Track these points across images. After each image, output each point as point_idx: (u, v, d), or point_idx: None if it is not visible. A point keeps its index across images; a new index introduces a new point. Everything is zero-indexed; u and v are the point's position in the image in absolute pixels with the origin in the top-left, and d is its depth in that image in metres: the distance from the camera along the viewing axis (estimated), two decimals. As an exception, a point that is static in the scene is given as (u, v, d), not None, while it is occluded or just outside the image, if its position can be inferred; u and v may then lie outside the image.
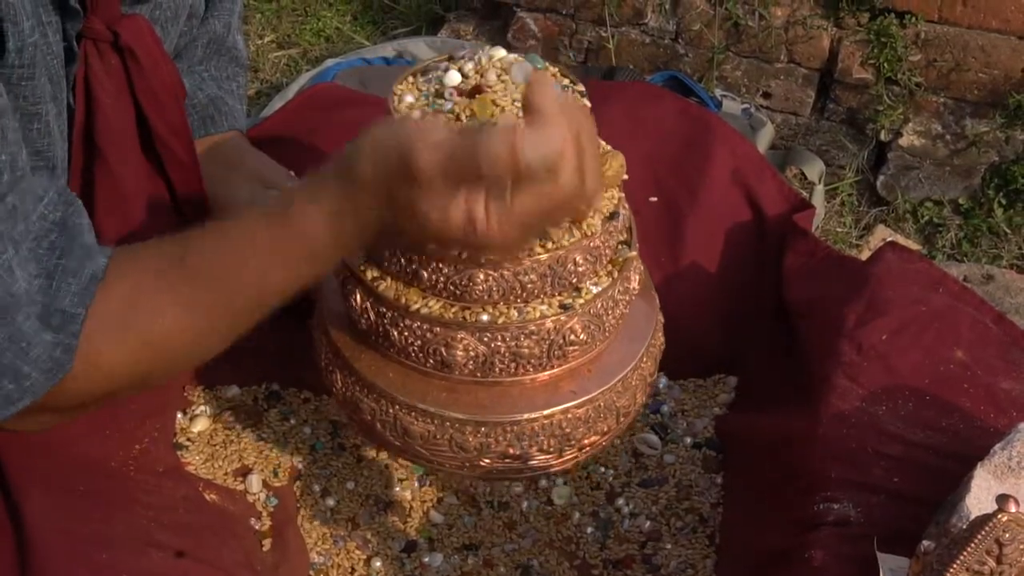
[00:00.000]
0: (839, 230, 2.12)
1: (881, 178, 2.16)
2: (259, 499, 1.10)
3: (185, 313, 0.84)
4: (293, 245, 0.82)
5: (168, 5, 1.05)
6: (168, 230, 1.08)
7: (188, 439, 1.14)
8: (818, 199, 2.07)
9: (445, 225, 0.75)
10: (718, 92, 2.19)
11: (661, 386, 1.32)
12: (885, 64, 2.11)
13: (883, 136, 2.17)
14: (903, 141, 2.15)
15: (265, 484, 1.12)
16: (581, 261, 0.89)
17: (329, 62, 2.17)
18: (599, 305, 0.91)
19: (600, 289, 0.91)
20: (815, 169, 2.12)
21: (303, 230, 0.81)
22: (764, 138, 2.13)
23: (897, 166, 2.15)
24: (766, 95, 2.26)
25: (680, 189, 1.34)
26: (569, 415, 0.92)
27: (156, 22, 1.03)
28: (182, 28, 1.11)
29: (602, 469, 1.22)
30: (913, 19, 2.08)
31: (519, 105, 0.87)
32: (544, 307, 0.89)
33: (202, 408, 1.17)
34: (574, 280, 0.90)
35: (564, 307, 0.90)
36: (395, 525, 1.15)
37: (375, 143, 0.77)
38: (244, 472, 1.12)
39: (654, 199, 1.32)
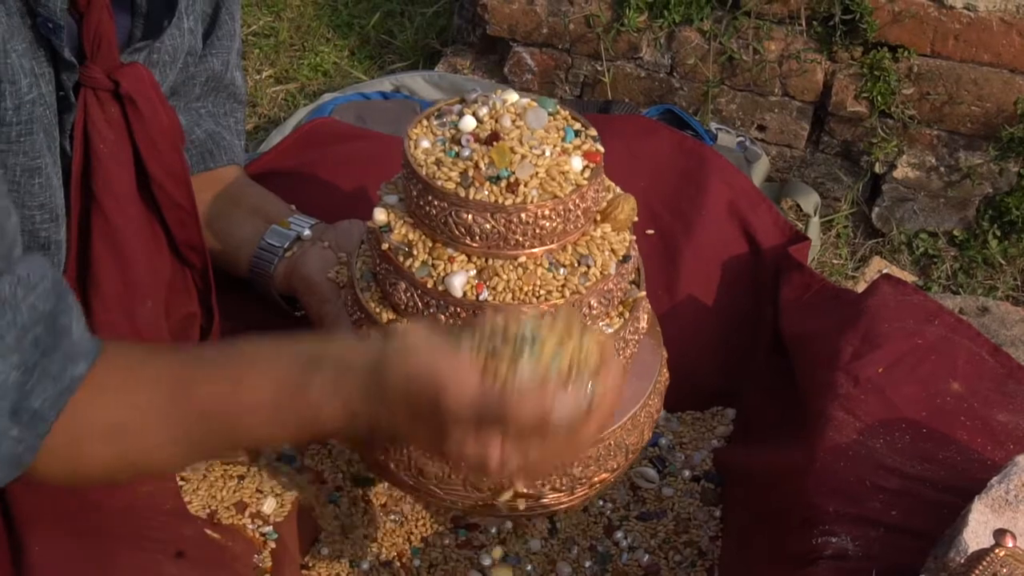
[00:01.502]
0: (835, 262, 2.12)
1: (876, 210, 2.17)
2: (257, 535, 1.10)
3: (175, 444, 0.86)
4: (303, 420, 0.85)
5: (167, 49, 1.05)
6: (167, 273, 1.09)
7: (182, 478, 1.13)
8: (814, 231, 2.08)
9: (459, 455, 0.80)
10: (713, 125, 2.20)
11: (660, 419, 1.32)
12: (879, 97, 2.13)
13: (878, 168, 2.18)
14: (897, 173, 2.16)
15: (264, 519, 1.12)
16: (595, 304, 0.90)
17: (327, 97, 2.18)
18: (611, 346, 0.92)
19: (612, 330, 0.92)
20: (810, 201, 2.13)
21: (318, 415, 0.84)
22: (759, 171, 2.14)
23: (892, 198, 2.16)
24: (761, 128, 2.27)
25: (676, 222, 1.35)
26: (581, 455, 0.92)
27: (155, 65, 1.04)
28: (178, 66, 1.12)
29: (600, 502, 1.22)
30: (906, 53, 2.10)
31: (537, 152, 0.88)
32: None
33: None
34: (588, 323, 0.90)
35: None
36: (392, 558, 1.14)
37: (410, 367, 0.79)
38: (243, 507, 1.12)
39: (651, 232, 1.33)
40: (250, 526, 1.10)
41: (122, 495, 1.01)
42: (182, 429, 0.85)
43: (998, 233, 2.10)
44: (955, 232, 2.13)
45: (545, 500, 0.93)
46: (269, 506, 1.12)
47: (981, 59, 2.07)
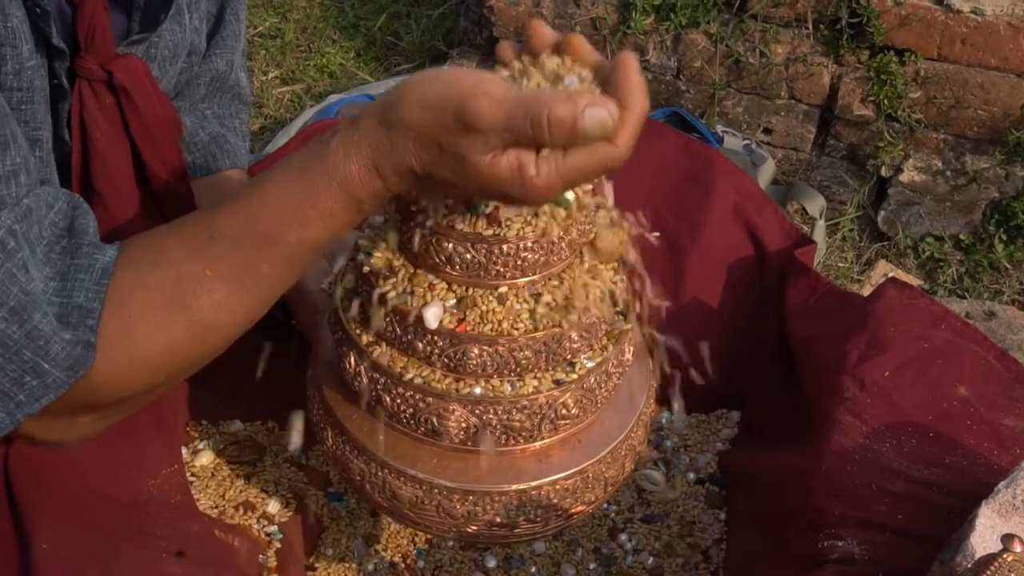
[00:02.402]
0: (840, 265, 2.12)
1: (882, 213, 2.16)
2: (262, 534, 1.10)
3: (230, 286, 0.83)
4: (329, 195, 0.80)
5: (166, 44, 1.05)
6: None
7: (192, 474, 1.14)
8: (819, 234, 2.08)
9: (493, 172, 0.75)
10: (719, 128, 2.20)
11: (664, 421, 1.31)
12: (885, 101, 2.12)
13: (884, 172, 2.18)
14: (904, 177, 2.16)
15: (269, 519, 1.12)
16: (576, 337, 0.88)
17: (333, 98, 2.19)
18: (592, 380, 0.90)
19: (594, 364, 0.90)
20: (816, 204, 2.12)
21: (339, 176, 0.79)
22: (765, 174, 2.14)
23: (898, 202, 2.16)
24: (767, 131, 2.27)
25: (682, 224, 1.35)
26: (558, 486, 0.91)
27: (153, 60, 1.04)
28: (182, 66, 1.12)
29: (605, 505, 1.22)
30: (912, 56, 2.10)
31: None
32: (537, 381, 0.89)
33: (205, 442, 1.17)
34: (568, 356, 0.89)
35: (557, 382, 0.89)
36: (396, 559, 1.14)
37: (425, 91, 0.76)
38: (248, 507, 1.12)
39: (656, 234, 1.33)
40: (255, 526, 1.10)
41: (129, 488, 1.01)
42: (224, 266, 0.82)
43: (1004, 237, 2.09)
44: (961, 236, 2.13)
45: (519, 530, 0.92)
46: (274, 506, 1.12)
47: (988, 63, 2.07)
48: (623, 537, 1.19)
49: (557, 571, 1.17)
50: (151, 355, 0.83)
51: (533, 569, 1.17)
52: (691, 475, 1.25)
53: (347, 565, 1.14)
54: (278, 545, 1.10)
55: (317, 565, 1.14)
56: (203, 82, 1.19)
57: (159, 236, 0.85)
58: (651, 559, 1.17)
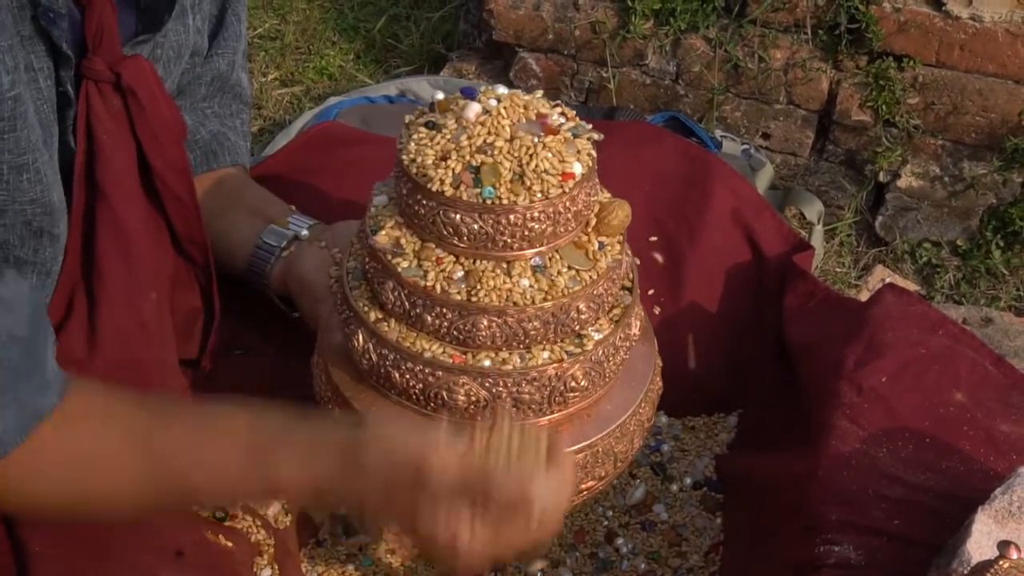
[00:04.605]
0: (838, 270, 2.12)
1: (880, 219, 2.17)
2: (259, 537, 1.10)
3: (137, 489, 0.88)
4: (263, 489, 0.90)
5: (170, 44, 1.06)
6: (170, 267, 1.09)
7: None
8: (817, 239, 2.08)
9: (431, 534, 0.82)
10: (718, 133, 2.20)
11: (662, 424, 1.31)
12: (883, 106, 2.13)
13: (881, 177, 2.19)
14: (901, 182, 2.17)
15: (266, 522, 1.12)
16: (584, 309, 0.89)
17: (332, 100, 2.19)
18: (600, 352, 0.91)
19: (602, 336, 0.91)
20: (814, 209, 2.13)
21: (280, 487, 0.87)
22: (763, 179, 2.14)
23: (895, 207, 2.16)
24: (765, 136, 2.27)
25: (680, 229, 1.35)
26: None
27: (158, 61, 1.04)
28: (184, 66, 1.12)
29: (601, 508, 1.22)
30: (911, 62, 2.10)
31: (528, 158, 0.86)
32: (546, 354, 0.89)
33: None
34: (576, 327, 0.90)
35: (567, 354, 0.90)
36: (393, 560, 1.14)
37: (391, 445, 0.82)
38: (246, 509, 1.11)
39: (654, 239, 1.33)
40: (252, 528, 1.10)
41: None
42: (146, 475, 0.87)
43: (1001, 243, 2.10)
44: (958, 242, 2.13)
45: None
46: (273, 508, 1.12)
47: (986, 69, 2.07)
48: (619, 541, 1.19)
49: (556, 574, 1.17)
50: (46, 506, 0.89)
51: (539, 574, 1.17)
52: (688, 479, 1.26)
53: (344, 567, 1.14)
54: (274, 547, 1.09)
55: (314, 567, 1.14)
56: (204, 82, 1.19)
57: (106, 405, 0.89)
58: (645, 564, 1.17)
